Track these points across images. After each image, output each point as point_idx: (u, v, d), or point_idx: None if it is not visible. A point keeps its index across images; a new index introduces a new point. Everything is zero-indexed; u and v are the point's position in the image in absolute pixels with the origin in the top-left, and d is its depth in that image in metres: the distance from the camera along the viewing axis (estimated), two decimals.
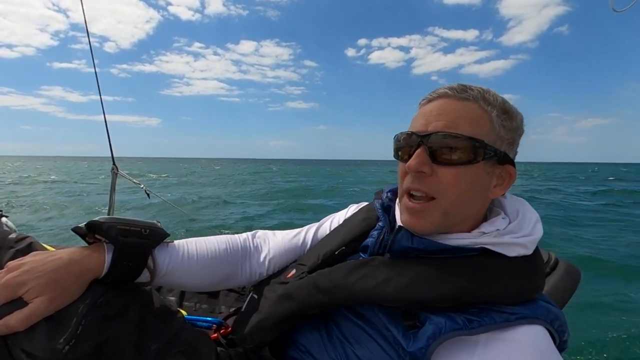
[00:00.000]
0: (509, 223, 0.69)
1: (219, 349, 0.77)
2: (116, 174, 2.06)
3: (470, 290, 0.60)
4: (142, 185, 2.23)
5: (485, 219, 0.71)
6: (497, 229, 0.67)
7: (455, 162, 0.64)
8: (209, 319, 0.87)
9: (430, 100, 0.71)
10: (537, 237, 0.67)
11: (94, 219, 0.70)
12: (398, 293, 0.63)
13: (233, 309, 1.00)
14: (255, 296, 0.83)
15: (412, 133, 0.68)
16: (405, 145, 0.70)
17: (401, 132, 0.72)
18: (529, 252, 0.66)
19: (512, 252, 0.64)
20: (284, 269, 0.88)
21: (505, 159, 0.68)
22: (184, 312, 0.85)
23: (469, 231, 0.68)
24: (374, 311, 0.65)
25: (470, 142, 0.64)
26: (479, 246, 0.65)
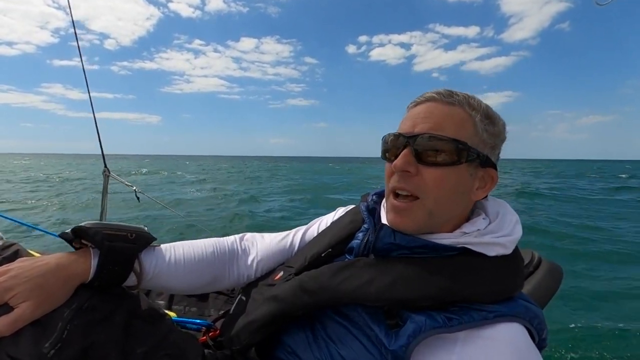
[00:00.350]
0: (489, 223, 0.70)
1: (206, 351, 0.77)
2: (108, 176, 2.05)
3: (451, 289, 0.61)
4: (133, 187, 2.22)
5: (467, 220, 0.73)
6: (478, 229, 0.68)
7: (440, 163, 0.66)
8: (198, 321, 0.88)
9: (417, 104, 0.73)
10: (517, 237, 0.69)
11: (80, 224, 0.71)
12: (381, 293, 0.64)
13: (222, 311, 1.01)
14: (244, 298, 0.84)
15: (400, 134, 0.70)
16: (392, 147, 0.72)
17: (389, 134, 0.74)
18: (509, 251, 0.67)
19: (491, 252, 0.66)
20: (271, 271, 0.89)
21: (488, 163, 0.70)
22: (172, 314, 0.86)
23: (452, 231, 0.69)
24: (357, 311, 0.66)
25: (454, 144, 0.66)
26: (460, 246, 0.66)
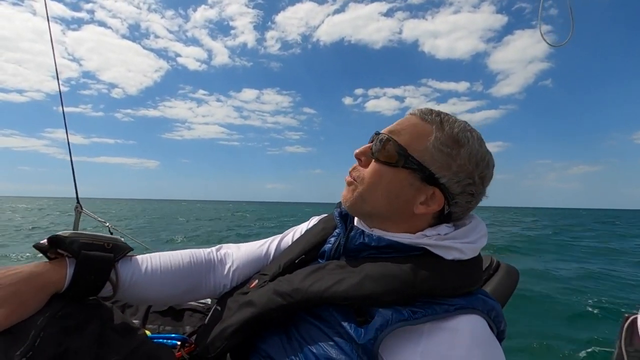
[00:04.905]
0: (454, 230, 0.74)
1: None
2: (80, 212, 2.00)
3: (413, 283, 0.65)
4: (107, 223, 2.16)
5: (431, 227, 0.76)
6: (438, 234, 0.73)
7: (380, 160, 0.74)
8: (173, 335, 0.86)
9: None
10: (479, 246, 0.73)
11: (56, 234, 0.71)
12: (349, 291, 0.66)
13: (197, 326, 0.99)
14: (219, 308, 0.84)
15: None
16: None
17: None
18: (465, 257, 0.70)
19: (449, 255, 0.69)
20: (247, 280, 0.90)
21: (432, 180, 0.71)
22: (147, 332, 0.84)
23: (413, 233, 0.74)
24: (329, 311, 0.69)
25: (396, 147, 0.72)
26: (421, 246, 0.71)
